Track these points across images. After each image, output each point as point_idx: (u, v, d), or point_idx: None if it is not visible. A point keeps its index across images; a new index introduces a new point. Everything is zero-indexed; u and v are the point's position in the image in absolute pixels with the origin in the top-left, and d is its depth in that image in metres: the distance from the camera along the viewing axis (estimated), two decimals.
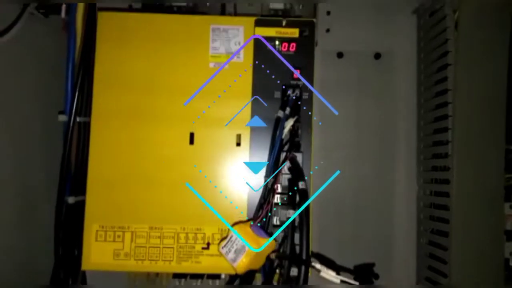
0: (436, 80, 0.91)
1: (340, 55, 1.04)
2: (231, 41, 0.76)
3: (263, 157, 0.74)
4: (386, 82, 1.04)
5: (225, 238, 0.64)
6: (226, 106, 0.75)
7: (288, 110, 0.70)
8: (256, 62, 0.76)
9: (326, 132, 0.99)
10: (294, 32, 0.76)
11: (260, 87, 0.75)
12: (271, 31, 0.76)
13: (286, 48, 0.76)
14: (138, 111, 0.75)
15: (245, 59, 0.76)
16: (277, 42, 0.76)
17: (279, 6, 0.93)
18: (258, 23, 0.76)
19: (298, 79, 0.75)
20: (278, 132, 0.68)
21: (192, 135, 0.74)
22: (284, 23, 0.76)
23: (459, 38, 0.83)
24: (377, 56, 1.04)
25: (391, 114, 1.03)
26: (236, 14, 0.94)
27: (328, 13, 1.03)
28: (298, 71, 0.75)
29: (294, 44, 0.76)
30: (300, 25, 0.76)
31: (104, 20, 0.76)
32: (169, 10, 0.90)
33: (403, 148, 1.02)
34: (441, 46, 0.88)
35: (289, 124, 0.70)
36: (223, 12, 0.97)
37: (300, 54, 0.76)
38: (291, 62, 0.76)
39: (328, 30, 1.03)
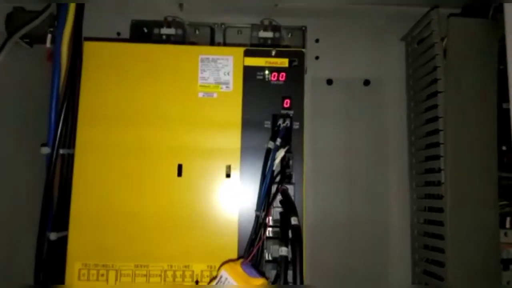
0: (426, 107, 0.91)
1: (329, 82, 1.04)
2: (220, 71, 0.75)
3: (254, 189, 0.72)
4: (376, 108, 1.04)
5: (214, 278, 0.61)
6: (216, 136, 0.73)
7: (278, 140, 0.68)
8: (246, 92, 0.75)
9: (317, 159, 0.97)
10: (284, 62, 0.76)
11: (250, 117, 0.74)
12: (260, 61, 0.76)
13: (275, 78, 0.75)
14: (124, 143, 0.72)
15: (235, 89, 0.75)
16: (266, 72, 0.75)
17: (269, 35, 0.93)
18: (248, 53, 0.76)
19: (289, 109, 0.74)
20: (269, 164, 0.67)
21: (180, 167, 0.72)
22: (273, 53, 0.76)
23: (448, 66, 0.84)
24: (366, 82, 1.05)
25: (382, 140, 1.02)
26: (225, 44, 0.94)
27: (317, 40, 1.04)
28: (288, 100, 0.74)
29: (284, 74, 0.75)
30: (290, 55, 0.76)
31: (90, 50, 0.75)
32: (158, 40, 0.89)
33: (395, 175, 1.01)
34: (430, 74, 0.88)
35: (280, 155, 0.68)
36: (212, 42, 0.97)
37: (290, 83, 0.75)
38: (281, 91, 0.75)
39: (317, 58, 1.04)
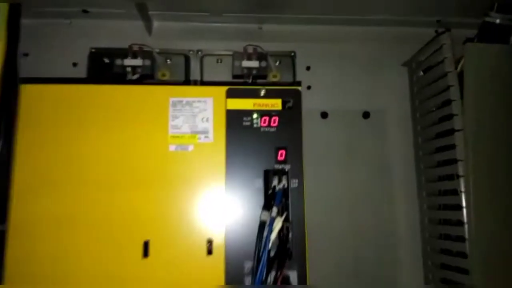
0: (438, 147, 0.78)
1: (324, 115, 0.90)
2: (197, 117, 0.60)
3: (243, 268, 0.56)
4: (377, 142, 0.91)
5: None
6: (192, 202, 0.57)
7: (274, 211, 0.53)
8: (230, 143, 0.59)
9: (317, 215, 0.82)
10: (276, 104, 0.61)
11: (236, 175, 0.58)
12: (247, 103, 0.61)
13: (266, 124, 0.60)
14: (73, 214, 0.55)
15: (216, 139, 0.59)
16: (255, 116, 0.60)
17: (254, 64, 0.79)
18: (231, 94, 0.61)
19: (284, 162, 0.59)
20: (263, 242, 0.51)
21: (146, 245, 0.56)
22: (262, 92, 0.61)
23: (466, 97, 0.71)
24: (366, 115, 0.91)
25: (387, 173, 0.89)
26: (202, 80, 0.78)
27: (308, 68, 0.90)
28: (283, 151, 0.59)
29: (277, 118, 0.60)
30: (283, 94, 0.61)
31: (29, 95, 0.58)
32: (120, 73, 0.73)
33: (403, 214, 0.86)
34: (443, 108, 0.75)
35: (277, 227, 0.53)
36: (187, 73, 0.81)
37: (284, 130, 0.61)
38: (274, 140, 0.60)
39: (309, 87, 0.89)
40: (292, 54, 0.89)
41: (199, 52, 0.86)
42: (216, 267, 0.56)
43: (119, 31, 0.82)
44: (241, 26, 0.87)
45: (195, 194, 0.57)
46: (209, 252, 0.56)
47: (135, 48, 0.78)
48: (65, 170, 0.56)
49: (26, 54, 0.83)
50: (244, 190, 0.58)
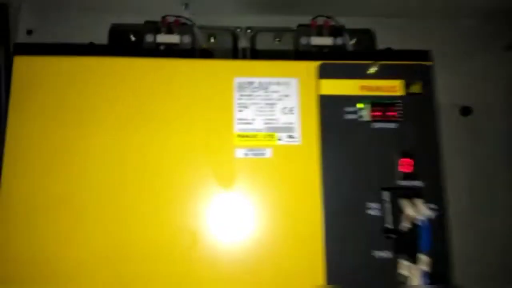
0: None
1: None
2: (275, 107, 0.39)
3: None
4: (477, 141, 0.70)
5: None
6: (274, 232, 0.36)
7: (424, 260, 0.32)
8: (327, 145, 0.38)
9: None
10: (395, 87, 0.40)
11: (337, 194, 0.37)
12: (350, 86, 0.40)
13: (381, 116, 0.39)
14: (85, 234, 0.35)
15: (306, 140, 0.39)
16: (361, 106, 0.39)
17: (326, 41, 0.59)
18: (326, 72, 0.40)
19: (413, 176, 0.38)
20: None
21: None
22: (373, 69, 0.40)
23: None
24: (466, 111, 0.70)
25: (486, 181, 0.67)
26: (256, 54, 0.57)
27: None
28: (409, 160, 0.38)
29: (396, 109, 0.39)
30: (406, 72, 0.40)
31: (23, 69, 0.38)
32: (152, 53, 0.54)
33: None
34: None
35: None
36: (235, 55, 0.60)
37: (410, 126, 0.39)
38: (394, 142, 0.39)
39: None
40: (370, 31, 0.68)
41: (249, 30, 0.66)
42: None
43: (146, 3, 0.62)
44: None
45: (276, 221, 0.36)
46: None
47: (170, 20, 0.58)
48: (79, 161, 0.36)
49: (29, 32, 0.64)
50: (351, 220, 0.37)
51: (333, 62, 0.40)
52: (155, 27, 0.57)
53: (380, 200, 0.37)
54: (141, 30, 0.58)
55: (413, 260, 0.32)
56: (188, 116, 0.38)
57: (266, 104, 0.39)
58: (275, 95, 0.39)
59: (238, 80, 0.39)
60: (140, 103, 0.38)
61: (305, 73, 0.40)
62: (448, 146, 0.67)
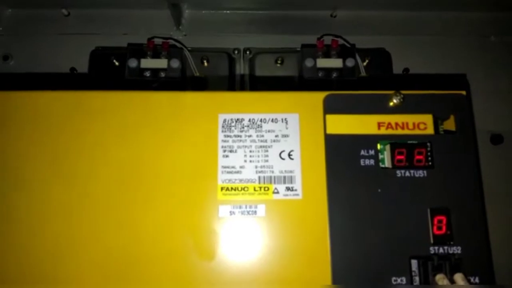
0: None
1: None
2: (270, 151, 0.31)
3: None
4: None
5: None
6: None
7: None
8: (336, 200, 0.30)
9: None
10: (423, 123, 0.32)
11: (349, 267, 0.29)
12: (365, 123, 0.31)
13: (405, 162, 0.31)
14: None
15: (309, 194, 0.30)
16: (381, 147, 0.31)
17: (335, 63, 0.51)
18: (333, 104, 0.32)
19: (448, 239, 0.29)
20: None
21: None
22: (395, 101, 0.31)
23: None
24: (496, 139, 0.60)
25: None
26: (256, 87, 0.50)
27: (406, 70, 0.61)
28: (444, 218, 0.29)
29: (424, 151, 0.31)
30: (435, 103, 0.32)
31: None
32: (134, 81, 0.47)
33: None
34: None
35: None
36: (231, 84, 0.52)
37: (442, 174, 0.31)
38: (424, 196, 0.30)
39: None
40: (383, 50, 0.60)
41: (248, 51, 0.58)
42: None
43: (135, 24, 0.56)
44: (305, 14, 0.60)
45: None
46: None
47: (157, 42, 0.51)
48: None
49: (6, 58, 0.58)
50: None
51: (342, 92, 0.31)
52: (140, 50, 0.50)
53: (408, 272, 0.28)
54: (124, 54, 0.51)
55: None
56: (165, 163, 0.30)
57: (259, 146, 0.31)
58: (270, 136, 0.31)
59: (223, 117, 0.31)
60: (111, 140, 0.31)
61: (308, 106, 0.31)
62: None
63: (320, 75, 0.51)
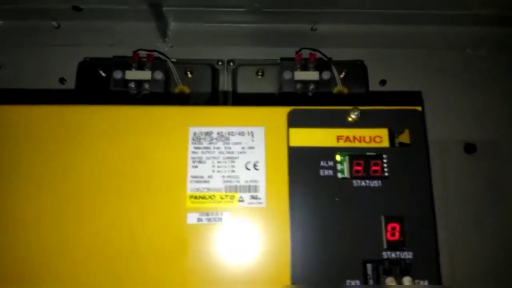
0: None
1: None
2: (237, 162, 0.33)
3: None
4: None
5: None
6: None
7: None
8: (297, 209, 0.32)
9: None
10: (379, 137, 0.34)
11: (308, 270, 0.31)
12: (326, 136, 0.34)
13: (362, 173, 0.33)
14: None
15: (272, 202, 0.32)
16: (339, 158, 0.33)
17: (312, 76, 0.54)
18: (297, 120, 0.34)
19: (400, 245, 0.31)
20: None
21: None
22: (353, 116, 0.34)
23: None
24: (470, 148, 0.63)
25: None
26: (237, 100, 0.52)
27: (383, 82, 0.63)
28: (397, 225, 0.32)
29: (380, 163, 0.33)
30: (390, 118, 0.34)
31: None
32: (120, 93, 0.50)
33: None
34: None
35: None
36: (214, 95, 0.55)
37: (396, 185, 0.33)
38: (378, 206, 0.33)
39: None
40: (359, 63, 0.63)
41: (231, 63, 0.61)
42: None
43: (122, 36, 0.59)
44: (287, 27, 0.63)
45: None
46: None
47: (142, 54, 0.54)
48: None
49: None
50: None
51: (304, 108, 0.34)
52: (125, 62, 0.53)
53: (362, 276, 0.31)
54: (111, 64, 0.54)
55: None
56: (134, 173, 0.32)
57: (226, 158, 0.33)
58: (236, 148, 0.33)
59: (193, 130, 0.33)
60: (90, 158, 0.33)
61: (274, 121, 0.34)
62: (451, 185, 0.61)
63: (298, 87, 0.54)
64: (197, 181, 0.32)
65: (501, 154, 0.63)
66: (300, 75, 0.54)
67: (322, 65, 0.55)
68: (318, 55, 0.57)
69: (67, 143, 0.33)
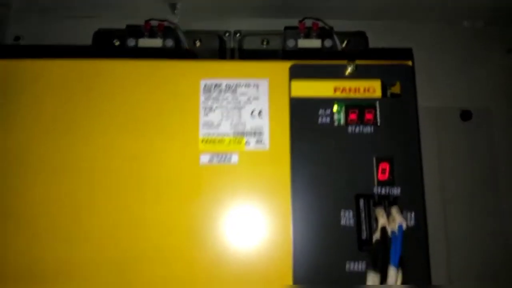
0: None
1: None
2: (243, 110, 0.37)
3: None
4: (479, 147, 0.67)
5: None
6: (242, 253, 0.34)
7: (393, 274, 0.29)
8: (297, 151, 0.36)
9: None
10: (372, 88, 0.37)
11: (307, 204, 0.35)
12: (324, 87, 0.37)
13: (356, 120, 0.37)
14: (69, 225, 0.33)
15: (275, 146, 0.36)
16: (337, 110, 0.37)
17: (315, 43, 0.57)
18: (297, 72, 0.38)
19: (390, 183, 0.35)
20: None
21: None
22: (349, 69, 0.37)
23: None
24: (466, 115, 0.66)
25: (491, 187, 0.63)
26: (243, 56, 0.56)
27: None
28: (387, 165, 0.36)
29: (373, 112, 0.37)
30: (383, 72, 0.38)
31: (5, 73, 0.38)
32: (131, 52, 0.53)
33: None
34: None
35: None
36: (221, 54, 0.59)
37: (387, 130, 0.37)
38: (371, 147, 0.37)
39: None
40: (362, 33, 0.65)
41: (238, 34, 0.64)
42: None
43: (133, 10, 0.62)
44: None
45: (243, 238, 0.34)
46: None
47: (153, 23, 0.57)
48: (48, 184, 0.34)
49: (17, 38, 0.65)
50: (323, 230, 0.34)
51: (305, 62, 0.37)
52: (138, 31, 0.56)
53: (354, 208, 0.35)
54: (124, 34, 0.57)
55: (383, 272, 0.29)
56: (151, 120, 0.36)
57: (234, 107, 0.37)
58: (243, 98, 0.37)
59: (204, 82, 0.37)
60: (105, 105, 0.37)
61: (276, 73, 0.37)
62: (447, 151, 0.64)
63: (301, 55, 0.57)
64: (208, 127, 0.36)
65: (494, 122, 0.66)
66: (303, 43, 0.57)
67: (324, 33, 0.58)
68: (321, 24, 0.59)
69: (83, 97, 0.37)
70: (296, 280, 0.33)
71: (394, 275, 0.28)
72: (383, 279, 0.29)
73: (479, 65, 0.68)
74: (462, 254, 0.59)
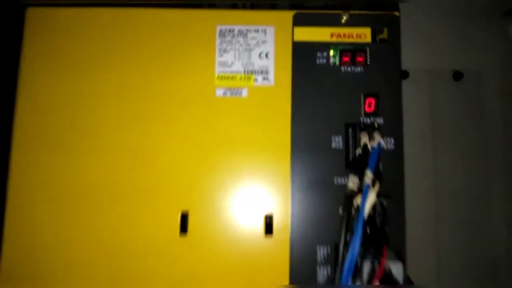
0: None
1: (404, 74, 0.71)
2: (253, 52, 0.44)
3: (315, 257, 0.40)
4: (471, 108, 0.72)
5: None
6: (246, 167, 0.42)
7: (369, 176, 0.36)
8: (298, 87, 0.43)
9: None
10: (363, 34, 0.44)
11: (306, 130, 0.42)
12: (322, 33, 0.44)
13: (349, 61, 0.43)
14: (90, 183, 0.41)
15: (279, 82, 0.43)
16: (332, 53, 0.44)
17: None
18: (300, 20, 0.44)
19: (375, 114, 0.42)
20: (357, 220, 0.34)
21: (184, 219, 0.41)
22: (344, 18, 0.44)
23: None
24: (457, 75, 0.71)
25: (483, 150, 0.69)
26: (253, 6, 0.62)
27: None
28: (373, 100, 0.42)
29: (364, 55, 0.43)
30: (373, 20, 0.44)
31: (36, 20, 0.45)
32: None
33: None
34: None
35: (370, 200, 0.36)
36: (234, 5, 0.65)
37: (375, 70, 0.43)
38: (360, 85, 0.43)
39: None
40: None
41: None
42: (278, 251, 0.40)
43: None
44: None
45: (249, 156, 0.42)
46: (268, 231, 0.41)
47: None
48: (82, 115, 0.42)
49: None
50: (316, 151, 0.42)
51: (307, 11, 0.44)
52: None
53: (344, 135, 0.42)
54: None
55: (361, 176, 0.36)
56: (174, 59, 0.43)
57: (245, 49, 0.44)
58: (252, 41, 0.43)
59: (220, 27, 0.44)
60: (131, 49, 0.44)
61: (281, 21, 0.44)
62: (439, 112, 0.70)
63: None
64: (223, 66, 0.43)
65: (484, 83, 0.71)
66: None
67: None
68: None
69: (106, 44, 0.43)
70: (292, 280, 0.39)
71: (370, 176, 0.35)
72: (361, 181, 0.36)
73: (473, 29, 0.73)
74: (451, 253, 0.65)
